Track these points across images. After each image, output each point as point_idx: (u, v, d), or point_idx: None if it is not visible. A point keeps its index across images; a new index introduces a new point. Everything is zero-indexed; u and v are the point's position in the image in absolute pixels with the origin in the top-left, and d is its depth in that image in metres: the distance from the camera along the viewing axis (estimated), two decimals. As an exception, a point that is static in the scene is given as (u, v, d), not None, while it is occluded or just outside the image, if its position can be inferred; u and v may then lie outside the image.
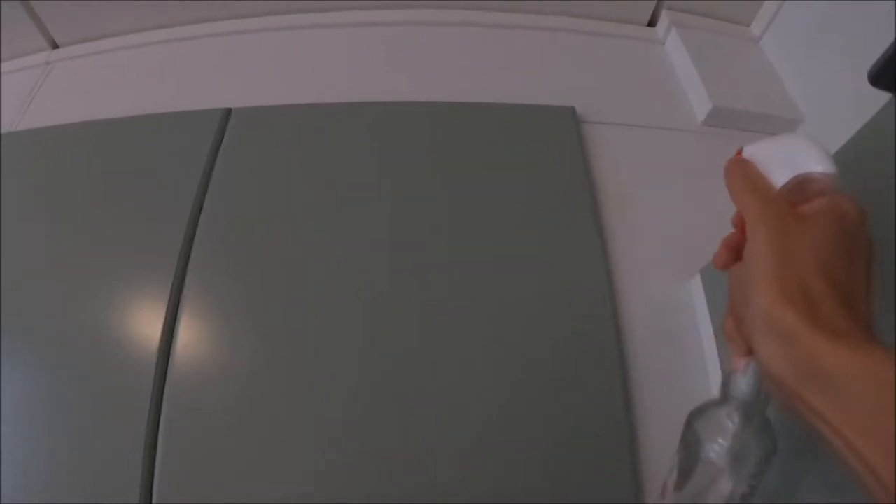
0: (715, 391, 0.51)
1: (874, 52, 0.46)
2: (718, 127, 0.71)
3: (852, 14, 0.62)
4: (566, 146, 0.64)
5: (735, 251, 0.29)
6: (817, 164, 0.26)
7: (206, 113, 0.69)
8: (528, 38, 0.79)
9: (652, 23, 0.82)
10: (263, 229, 0.60)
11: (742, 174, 0.28)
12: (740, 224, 0.28)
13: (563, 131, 0.66)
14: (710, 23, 0.80)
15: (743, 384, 0.29)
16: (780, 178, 0.27)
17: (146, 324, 0.55)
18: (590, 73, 0.76)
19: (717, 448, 0.30)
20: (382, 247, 0.58)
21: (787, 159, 0.27)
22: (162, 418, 0.50)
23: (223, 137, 0.67)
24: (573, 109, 0.68)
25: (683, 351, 0.54)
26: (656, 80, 0.76)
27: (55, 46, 0.88)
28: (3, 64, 0.89)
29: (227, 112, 0.69)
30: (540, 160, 0.64)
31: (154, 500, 0.47)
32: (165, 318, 0.54)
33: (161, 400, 0.51)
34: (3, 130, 0.76)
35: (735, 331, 0.28)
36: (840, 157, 0.40)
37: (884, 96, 0.39)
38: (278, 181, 0.64)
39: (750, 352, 0.27)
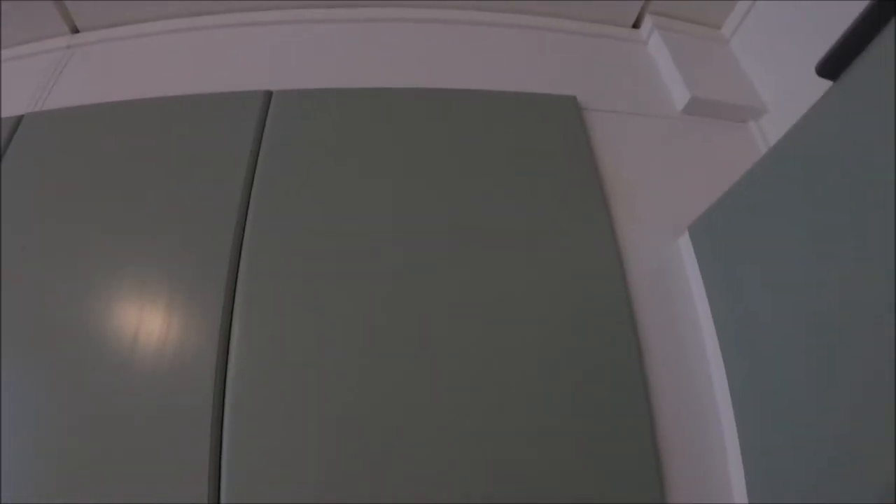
0: (706, 337, 0.62)
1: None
2: (695, 115, 0.83)
3: (810, 18, 0.74)
4: (571, 130, 0.74)
5: None
6: None
7: (248, 94, 0.75)
8: (530, 37, 0.89)
9: (636, 25, 0.94)
10: (313, 212, 0.65)
11: None
12: None
13: (567, 117, 0.76)
14: (686, 26, 0.92)
15: None
16: None
17: (203, 318, 0.58)
18: (584, 67, 0.87)
19: None
20: (413, 227, 0.64)
21: None
22: (225, 413, 0.53)
23: (266, 119, 0.73)
24: (575, 98, 0.78)
25: (677, 295, 0.65)
26: (640, 75, 0.88)
27: (75, 31, 0.92)
28: (24, 47, 0.91)
29: (269, 94, 0.76)
30: (547, 143, 0.73)
31: (223, 501, 0.50)
32: (223, 311, 0.58)
33: (224, 393, 0.54)
34: (27, 111, 0.79)
35: None
36: (787, 141, 0.51)
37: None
38: (322, 162, 0.70)
39: None
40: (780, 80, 0.81)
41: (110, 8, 0.88)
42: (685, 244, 0.66)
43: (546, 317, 0.60)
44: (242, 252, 0.63)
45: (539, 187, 0.69)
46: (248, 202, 0.66)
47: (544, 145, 0.73)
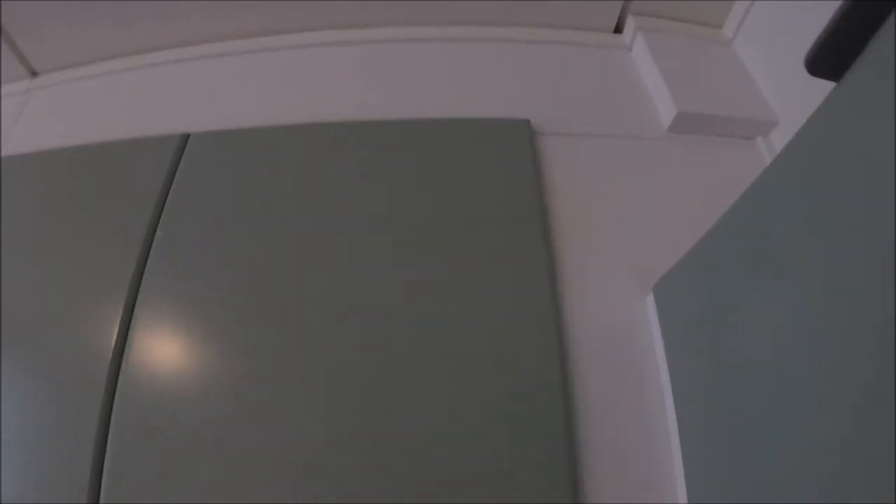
0: (668, 416, 0.47)
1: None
2: (686, 133, 0.67)
3: (827, 12, 0.58)
4: (518, 159, 0.62)
5: None
6: None
7: (164, 139, 0.70)
8: (490, 51, 0.78)
9: (619, 29, 0.80)
10: (216, 249, 0.60)
11: None
12: None
13: (516, 144, 0.63)
14: (679, 26, 0.77)
15: None
16: None
17: (100, 340, 0.56)
18: (554, 84, 0.74)
19: None
20: (336, 260, 0.57)
21: None
22: (111, 422, 0.52)
23: (179, 162, 0.67)
24: (528, 122, 0.65)
25: (636, 372, 0.50)
26: (621, 88, 0.74)
27: (34, 74, 0.90)
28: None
29: (185, 137, 0.70)
30: (491, 175, 0.62)
31: (101, 501, 0.48)
32: (117, 335, 0.56)
33: (111, 408, 0.52)
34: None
35: None
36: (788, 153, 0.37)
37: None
38: (232, 201, 0.63)
39: None
40: (794, 87, 0.64)
41: (62, 50, 0.85)
42: (650, 306, 0.51)
43: (468, 374, 0.50)
44: (140, 291, 0.59)
45: (473, 229, 0.58)
46: (150, 246, 0.62)
47: (487, 180, 0.61)
